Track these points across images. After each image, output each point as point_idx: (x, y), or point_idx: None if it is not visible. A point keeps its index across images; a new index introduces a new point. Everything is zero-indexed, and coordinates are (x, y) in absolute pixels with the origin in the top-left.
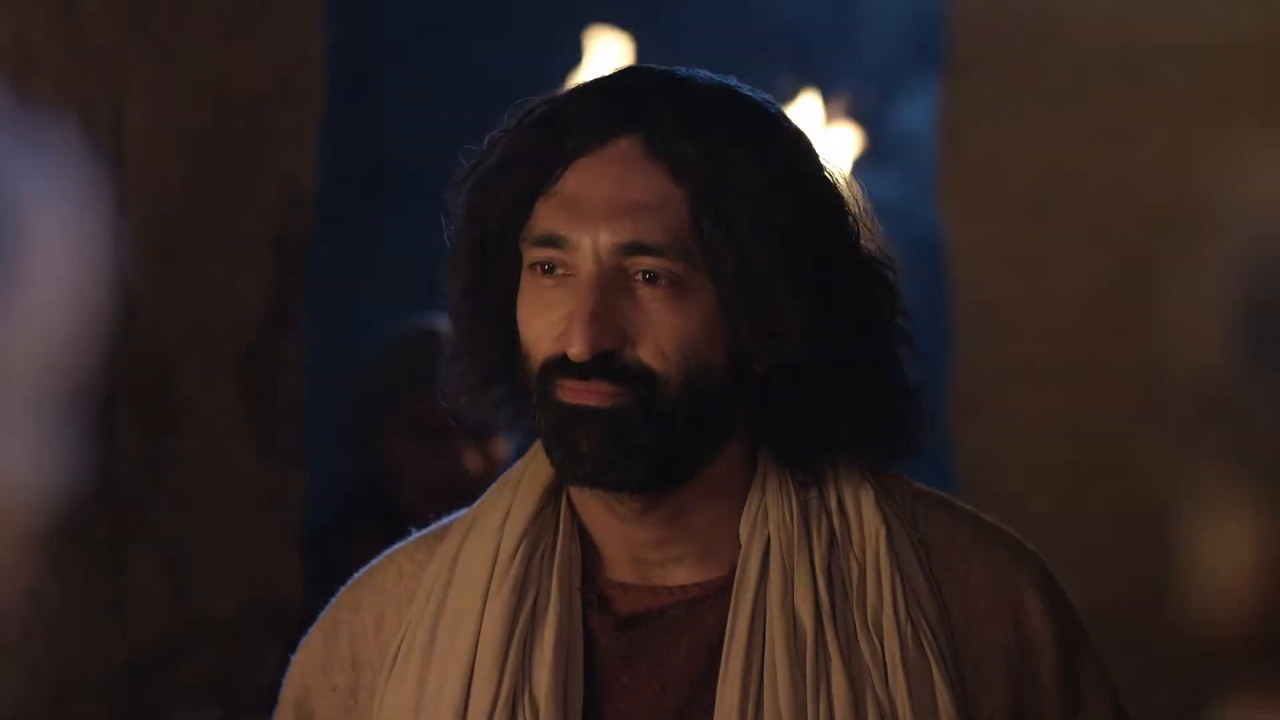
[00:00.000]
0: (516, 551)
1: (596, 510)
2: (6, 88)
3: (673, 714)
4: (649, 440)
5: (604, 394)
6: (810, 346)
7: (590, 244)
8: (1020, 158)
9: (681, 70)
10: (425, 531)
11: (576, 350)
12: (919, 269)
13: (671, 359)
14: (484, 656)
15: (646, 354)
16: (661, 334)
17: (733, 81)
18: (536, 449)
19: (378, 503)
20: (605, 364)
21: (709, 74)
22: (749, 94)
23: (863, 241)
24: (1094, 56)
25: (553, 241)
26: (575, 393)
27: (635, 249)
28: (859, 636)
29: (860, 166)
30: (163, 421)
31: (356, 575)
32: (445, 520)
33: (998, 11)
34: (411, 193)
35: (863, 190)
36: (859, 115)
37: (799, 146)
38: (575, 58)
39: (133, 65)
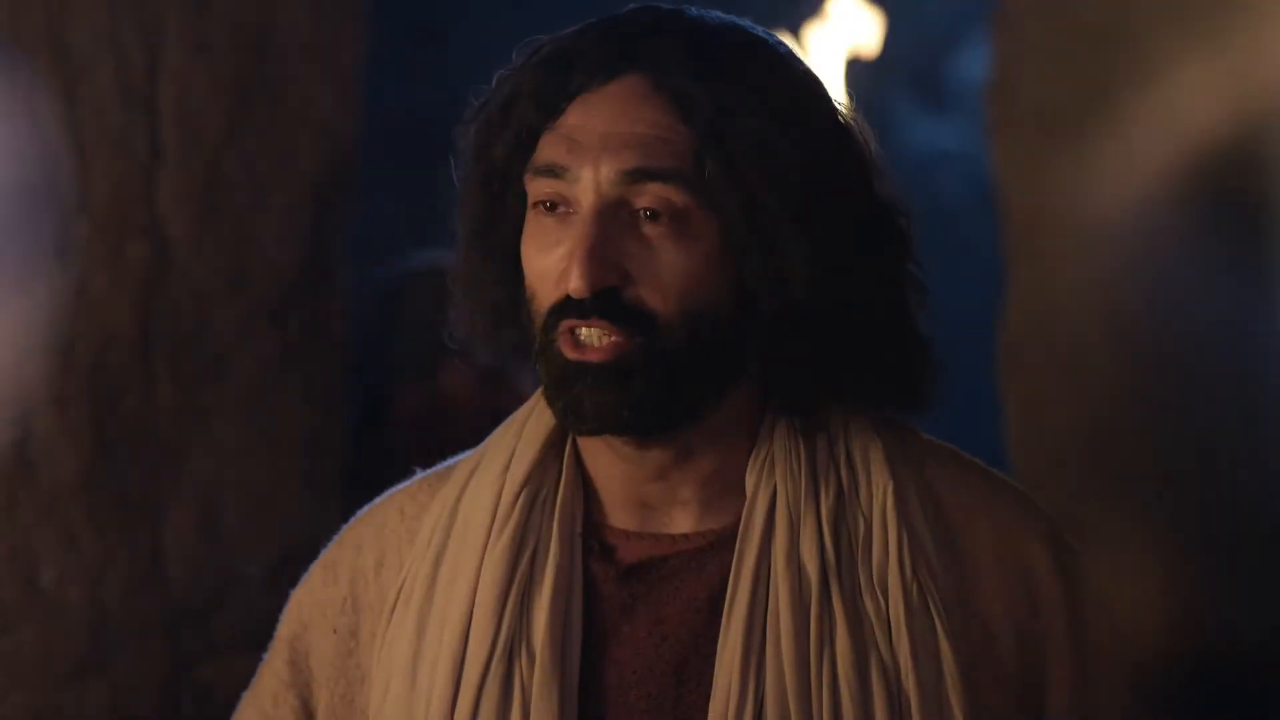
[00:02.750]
0: (518, 497)
1: (600, 453)
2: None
3: (671, 665)
4: (651, 388)
5: (603, 348)
6: (814, 287)
7: (591, 175)
8: (1069, 101)
9: (691, 10)
10: (429, 471)
11: (575, 286)
12: (982, 218)
13: (672, 298)
14: (482, 604)
15: (647, 292)
16: (664, 271)
17: (745, 22)
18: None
19: (429, 440)
20: (606, 303)
21: (720, 14)
22: (759, 34)
23: (875, 187)
24: None
25: (553, 171)
26: (577, 347)
27: (639, 174)
28: (864, 594)
29: (923, 116)
30: (200, 370)
31: (359, 514)
32: (451, 460)
33: None
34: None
35: (874, 134)
36: (919, 64)
37: (808, 88)
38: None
39: (168, 11)
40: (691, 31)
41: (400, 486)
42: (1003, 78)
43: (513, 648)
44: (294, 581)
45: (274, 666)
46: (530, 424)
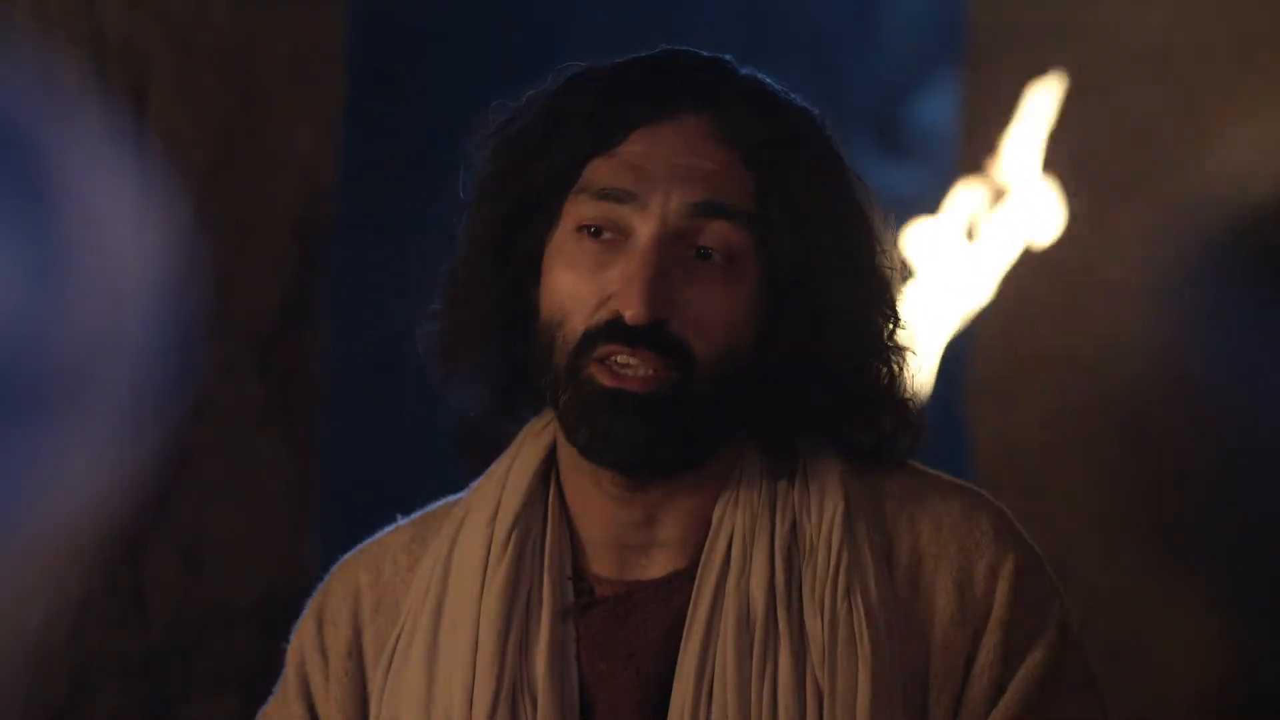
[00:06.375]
0: (508, 542)
1: (587, 495)
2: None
3: (645, 695)
4: (682, 423)
5: (644, 379)
6: (845, 342)
7: (660, 204)
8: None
9: (726, 57)
10: (417, 517)
11: (635, 313)
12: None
13: (712, 339)
14: (484, 650)
15: (691, 329)
16: (708, 312)
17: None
18: (525, 435)
19: None
20: (655, 334)
21: (748, 68)
22: (788, 92)
23: (881, 254)
24: (1114, 50)
25: (616, 196)
26: (615, 375)
27: (707, 208)
28: (807, 615)
29: (880, 161)
30: (182, 411)
31: (342, 560)
32: (432, 506)
33: (1018, 5)
34: (442, 184)
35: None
36: (879, 110)
37: (839, 151)
38: (597, 53)
39: (153, 54)
40: (745, 81)
41: (383, 534)
42: (971, 126)
43: (515, 693)
44: (274, 622)
45: (293, 713)
46: (515, 470)
